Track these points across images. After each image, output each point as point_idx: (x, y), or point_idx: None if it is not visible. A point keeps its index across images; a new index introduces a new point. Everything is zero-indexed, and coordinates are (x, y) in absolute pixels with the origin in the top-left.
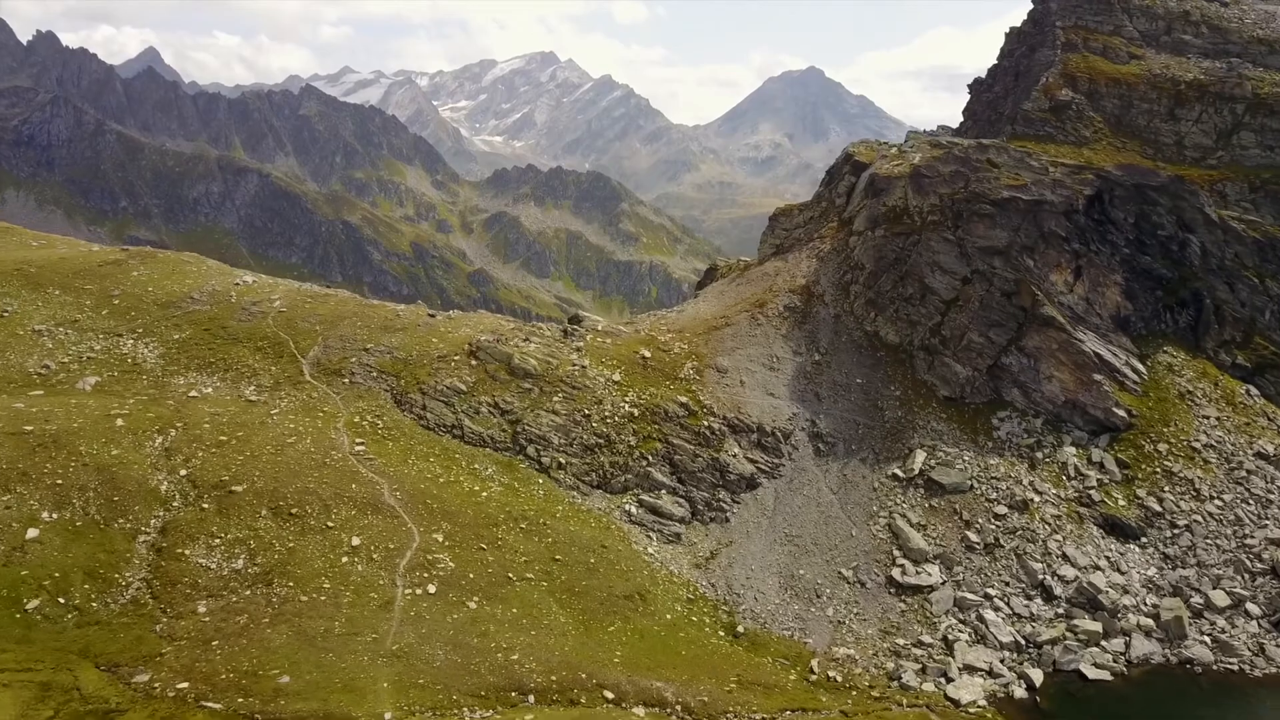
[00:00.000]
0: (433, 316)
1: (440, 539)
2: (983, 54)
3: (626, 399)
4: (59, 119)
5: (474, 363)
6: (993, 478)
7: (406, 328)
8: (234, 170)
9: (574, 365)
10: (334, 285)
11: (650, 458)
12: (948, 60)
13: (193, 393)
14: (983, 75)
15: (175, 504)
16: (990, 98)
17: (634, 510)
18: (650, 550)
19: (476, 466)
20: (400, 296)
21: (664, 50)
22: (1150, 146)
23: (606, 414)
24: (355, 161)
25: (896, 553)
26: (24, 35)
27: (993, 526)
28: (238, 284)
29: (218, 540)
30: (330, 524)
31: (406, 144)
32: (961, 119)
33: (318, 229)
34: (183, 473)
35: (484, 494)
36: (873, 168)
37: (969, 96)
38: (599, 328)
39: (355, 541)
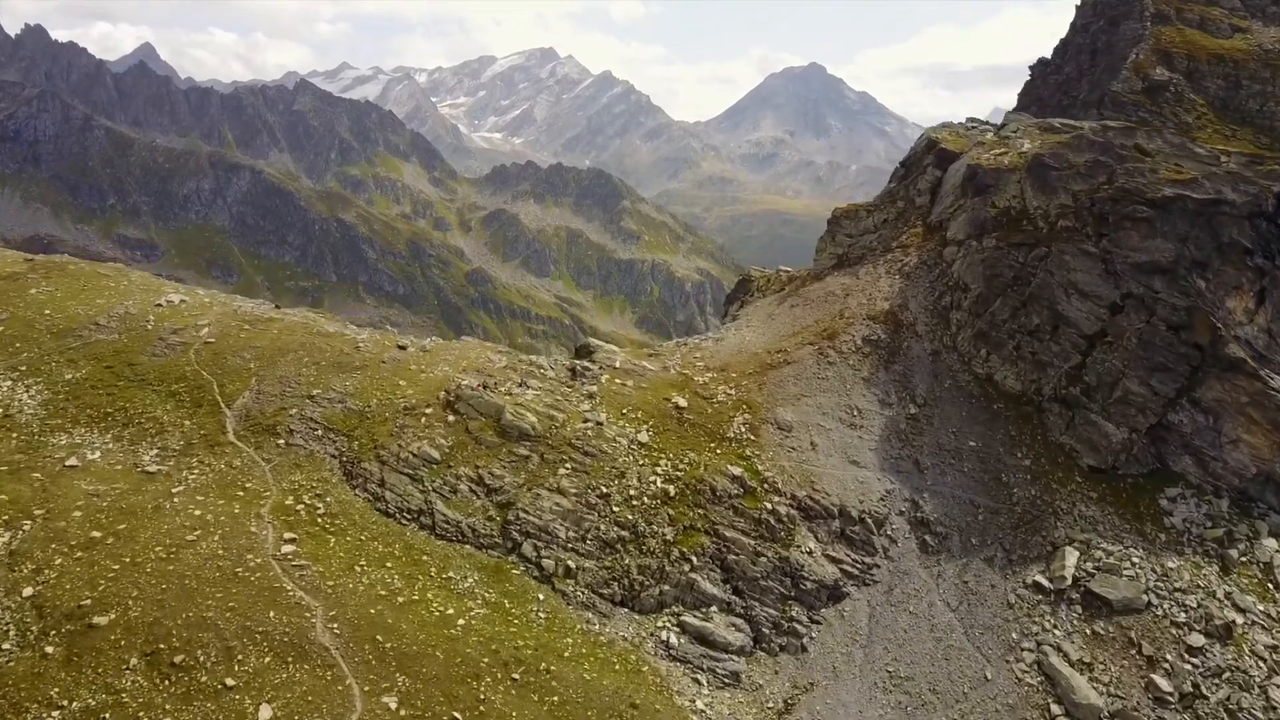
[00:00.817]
0: (403, 349)
1: (393, 705)
2: (981, 51)
3: (658, 470)
4: (46, 114)
5: (451, 418)
6: (1176, 589)
7: (367, 365)
8: (225, 167)
9: (586, 421)
10: (328, 284)
11: (695, 559)
12: (946, 58)
13: (72, 460)
14: (1037, 59)
15: (5, 647)
16: (1060, 80)
17: (674, 639)
18: (700, 704)
19: (451, 575)
20: (396, 296)
21: (662, 48)
22: (1265, 134)
23: (632, 493)
24: (351, 158)
25: (1055, 708)
26: (17, 31)
27: (1188, 666)
28: (160, 305)
29: (55, 715)
30: (230, 681)
31: (404, 140)
32: (1015, 104)
33: (312, 227)
34: (27, 592)
35: (460, 621)
36: (967, 157)
37: (1029, 78)
38: (616, 363)
39: (264, 715)
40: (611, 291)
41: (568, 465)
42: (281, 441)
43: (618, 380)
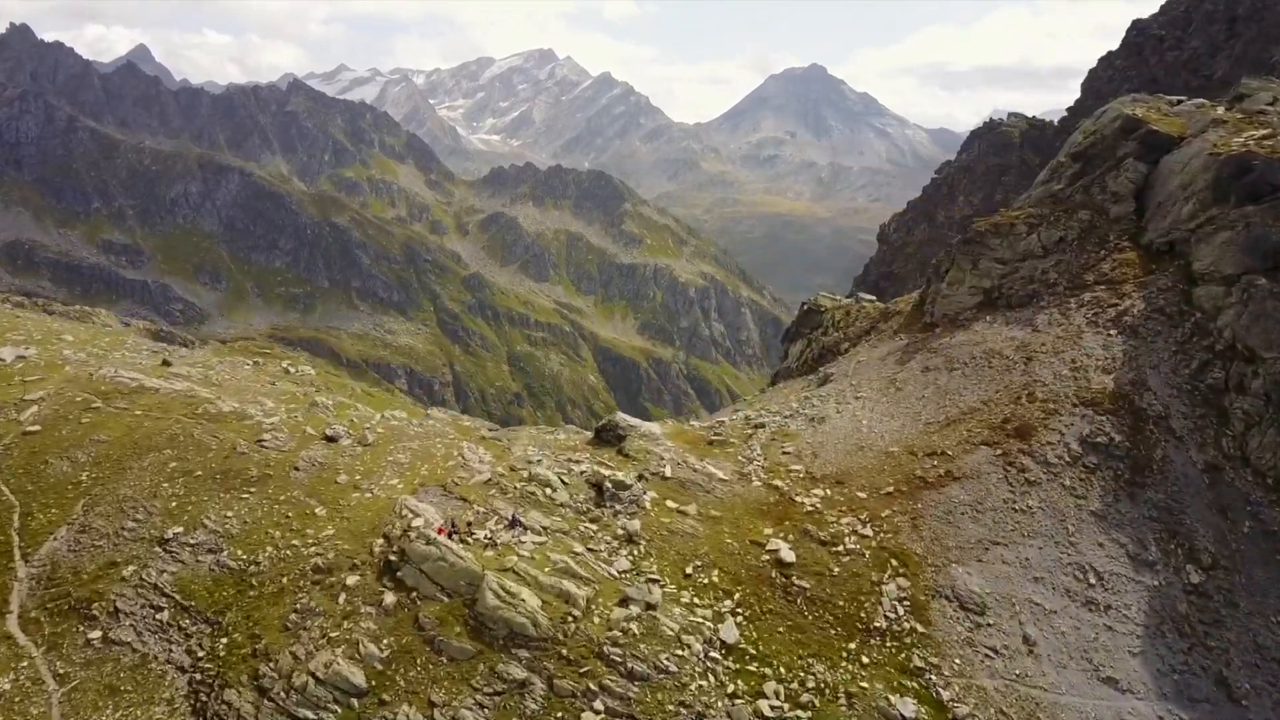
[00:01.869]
0: (332, 440)
1: None
2: (977, 51)
3: (763, 708)
4: (28, 115)
5: (391, 596)
6: None
7: (269, 474)
8: (214, 169)
9: (628, 604)
10: (320, 290)
11: None
12: (942, 58)
13: None
14: (1100, 52)
15: None
16: (1181, 56)
17: None
18: None
19: None
20: (390, 303)
21: (656, 49)
22: None
23: None
24: (345, 160)
25: None
26: (2, 31)
27: None
28: None
29: None
30: None
31: (399, 142)
32: (1079, 95)
33: (303, 231)
34: None
35: None
36: (1201, 143)
37: (1100, 62)
38: (664, 468)
39: None
40: (613, 296)
41: (599, 703)
42: (97, 635)
43: (671, 502)
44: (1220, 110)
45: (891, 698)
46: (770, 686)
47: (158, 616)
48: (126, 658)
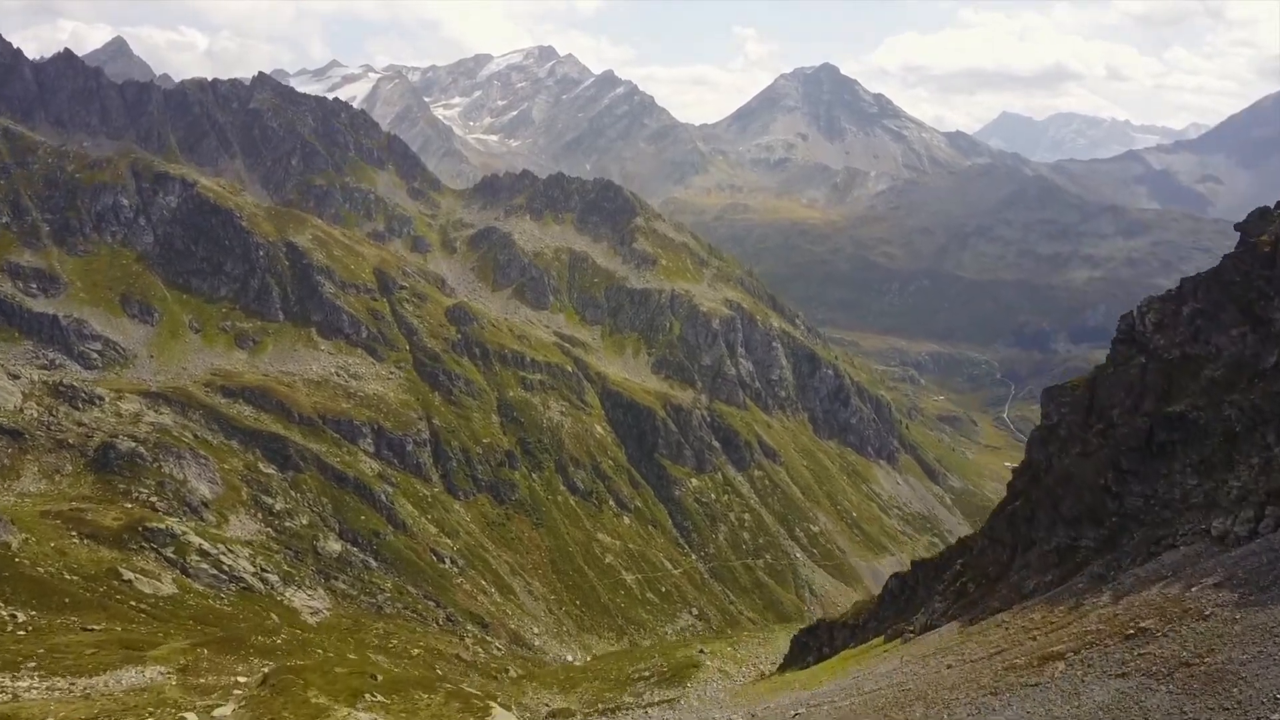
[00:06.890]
0: None
1: None
2: (954, 55)
3: None
4: None
5: None
6: None
7: None
8: (151, 177)
9: None
10: (273, 325)
11: None
12: (920, 61)
13: None
14: None
15: None
16: None
17: None
18: None
19: None
20: (358, 340)
21: (635, 50)
22: None
23: None
24: (315, 164)
25: None
26: None
27: None
28: None
29: None
30: None
31: (378, 144)
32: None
33: (255, 253)
34: None
35: None
36: None
37: None
38: None
39: None
40: (623, 327)
41: None
42: None
43: None
44: None
45: None
46: None
47: None
48: None
